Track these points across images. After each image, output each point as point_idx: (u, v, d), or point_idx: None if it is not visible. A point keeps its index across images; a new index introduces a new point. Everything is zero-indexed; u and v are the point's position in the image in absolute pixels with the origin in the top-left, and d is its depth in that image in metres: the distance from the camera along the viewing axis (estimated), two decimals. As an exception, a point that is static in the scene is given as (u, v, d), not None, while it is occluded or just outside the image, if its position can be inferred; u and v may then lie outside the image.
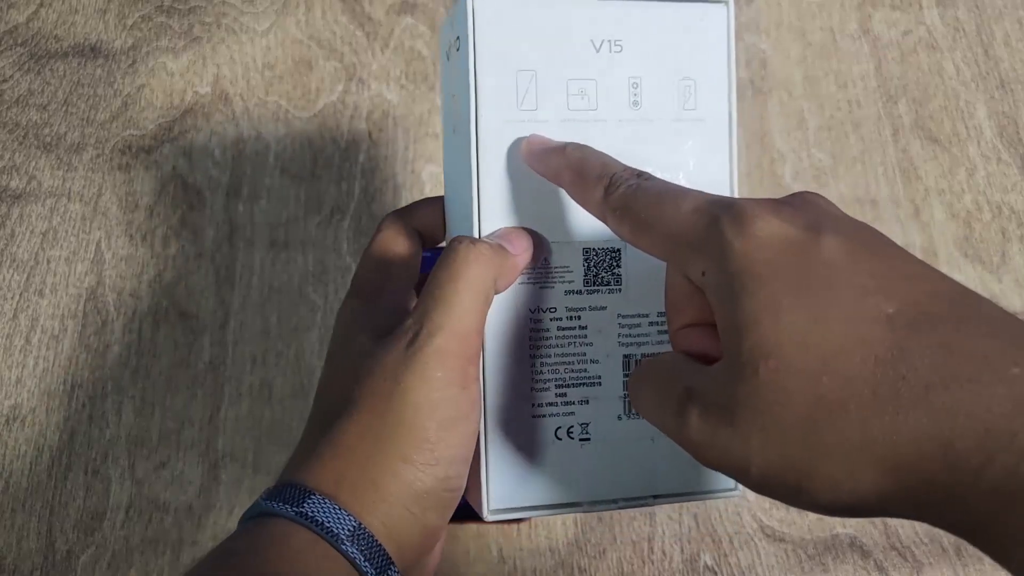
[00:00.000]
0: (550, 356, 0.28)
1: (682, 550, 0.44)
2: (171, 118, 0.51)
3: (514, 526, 0.43)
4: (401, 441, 0.24)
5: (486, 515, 0.27)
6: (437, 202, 0.32)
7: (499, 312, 0.27)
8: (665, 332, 0.29)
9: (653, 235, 0.22)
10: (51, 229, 0.48)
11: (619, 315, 0.28)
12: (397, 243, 0.30)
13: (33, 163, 0.49)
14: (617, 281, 0.28)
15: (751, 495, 0.45)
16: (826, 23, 0.58)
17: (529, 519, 0.43)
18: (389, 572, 0.23)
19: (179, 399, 0.45)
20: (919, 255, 0.46)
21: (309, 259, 0.48)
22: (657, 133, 0.28)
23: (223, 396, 0.45)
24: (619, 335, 0.28)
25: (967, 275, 0.52)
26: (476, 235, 0.27)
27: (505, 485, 0.27)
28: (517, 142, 0.27)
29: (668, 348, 0.29)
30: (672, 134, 0.28)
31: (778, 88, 0.56)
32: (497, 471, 0.27)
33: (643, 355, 0.29)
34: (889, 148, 0.55)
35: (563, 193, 0.27)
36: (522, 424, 0.28)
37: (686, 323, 0.24)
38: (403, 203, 0.44)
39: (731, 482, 0.29)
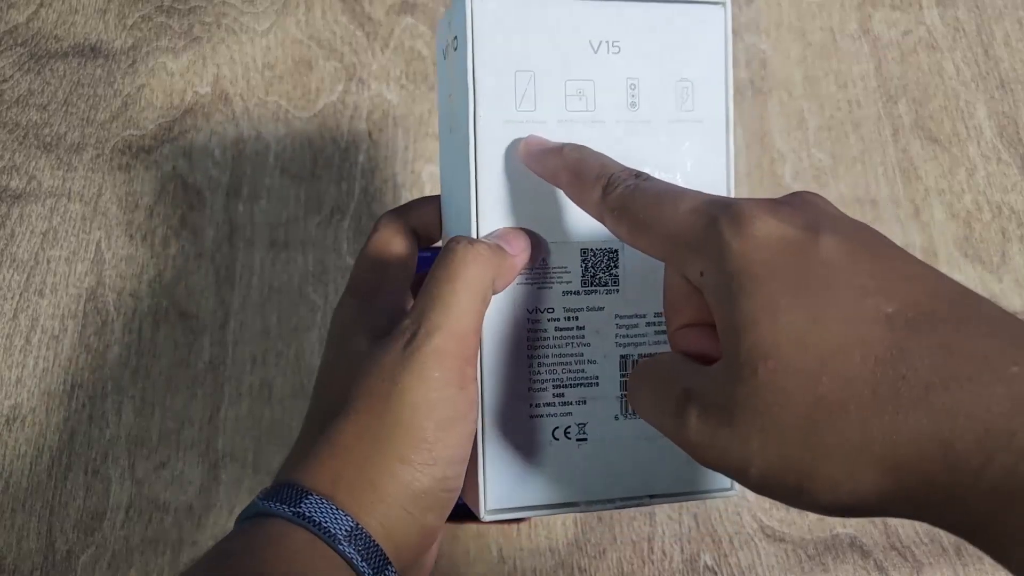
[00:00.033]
0: (547, 356, 0.28)
1: (682, 550, 0.44)
2: (171, 118, 0.51)
3: (514, 526, 0.43)
4: (399, 441, 0.24)
5: (483, 515, 0.27)
6: (434, 201, 0.32)
7: (497, 312, 0.27)
8: (662, 333, 0.29)
9: (651, 235, 0.22)
10: (51, 229, 0.48)
11: (616, 316, 0.28)
12: (394, 243, 0.30)
13: (33, 163, 0.49)
14: (614, 282, 0.28)
15: (751, 495, 0.45)
16: (826, 23, 0.58)
17: (528, 519, 0.43)
18: (386, 572, 0.23)
19: (179, 399, 0.45)
20: (919, 255, 0.46)
21: (309, 259, 0.48)
22: (654, 134, 0.28)
23: (223, 396, 0.45)
24: (616, 336, 0.28)
25: (967, 275, 0.52)
26: (474, 235, 0.27)
27: (502, 485, 0.27)
28: (515, 143, 0.27)
29: (665, 349, 0.29)
30: (669, 135, 0.28)
31: (778, 88, 0.56)
32: (494, 471, 0.27)
33: (640, 356, 0.29)
34: (889, 148, 0.55)
35: (561, 193, 0.27)
36: (519, 424, 0.28)
37: (684, 323, 0.24)
38: (402, 203, 0.44)
39: (728, 482, 0.29)
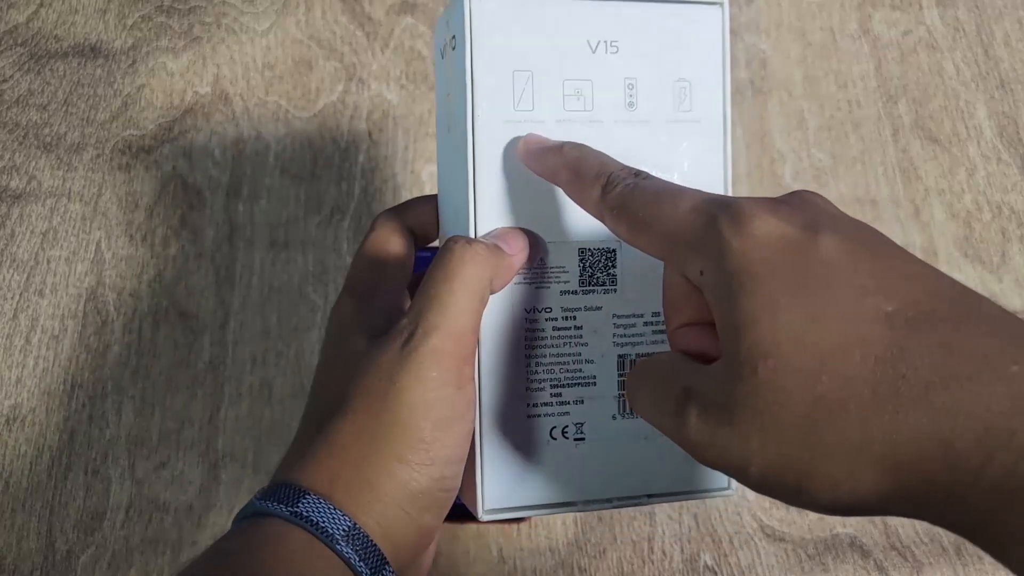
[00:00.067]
0: (545, 356, 0.28)
1: (682, 550, 0.44)
2: (171, 118, 0.51)
3: (514, 526, 0.43)
4: (396, 441, 0.24)
5: (481, 515, 0.27)
6: (431, 200, 0.31)
7: (495, 312, 0.27)
8: (660, 332, 0.29)
9: (651, 234, 0.22)
10: (51, 229, 0.48)
11: (614, 315, 0.28)
12: (391, 242, 0.30)
13: (33, 163, 0.49)
14: (612, 281, 0.28)
15: (751, 495, 0.45)
16: (826, 23, 0.58)
17: (529, 519, 0.43)
18: (384, 572, 0.23)
19: (179, 399, 0.45)
20: (919, 255, 0.46)
21: (309, 259, 0.48)
22: (652, 134, 0.28)
23: (223, 396, 0.45)
24: (614, 335, 0.28)
25: (967, 275, 0.52)
26: (472, 235, 0.27)
27: (500, 485, 0.27)
28: (513, 142, 0.27)
29: (662, 348, 0.29)
30: (667, 135, 0.28)
31: (778, 88, 0.56)
32: (492, 471, 0.27)
33: (638, 355, 0.29)
34: (889, 148, 0.55)
35: (559, 193, 0.27)
36: (517, 424, 0.28)
37: (684, 322, 0.24)
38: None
39: (725, 481, 0.29)
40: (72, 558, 0.41)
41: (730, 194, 0.29)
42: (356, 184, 0.50)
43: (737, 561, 0.43)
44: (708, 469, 0.29)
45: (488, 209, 0.27)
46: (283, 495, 0.23)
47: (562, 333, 0.28)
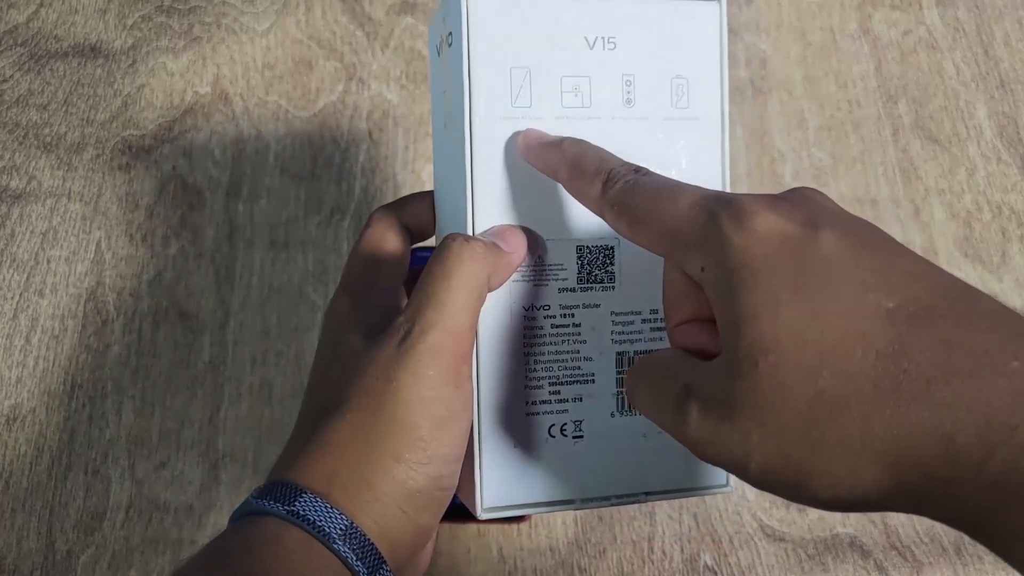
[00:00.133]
0: (544, 354, 0.28)
1: (682, 550, 0.43)
2: (171, 118, 0.51)
3: (514, 525, 0.43)
4: (394, 440, 0.23)
5: (480, 513, 0.27)
6: (427, 196, 0.31)
7: (492, 310, 0.27)
8: (658, 329, 0.29)
9: (651, 231, 0.22)
10: (51, 229, 0.48)
11: (612, 312, 0.28)
12: (387, 239, 0.30)
13: (33, 163, 0.49)
14: (610, 279, 0.28)
15: (751, 494, 0.45)
16: (826, 23, 0.58)
17: (528, 518, 0.43)
18: (381, 571, 0.23)
19: (179, 399, 0.45)
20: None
21: (309, 259, 0.48)
22: (650, 131, 0.28)
23: (223, 396, 0.45)
24: (612, 332, 0.28)
25: (967, 275, 0.52)
26: (470, 232, 0.27)
27: (499, 483, 0.27)
28: (511, 139, 0.27)
29: (661, 345, 0.29)
30: (665, 132, 0.28)
31: (778, 88, 0.56)
32: (491, 469, 0.27)
33: (636, 352, 0.28)
34: (889, 148, 0.55)
35: (557, 190, 0.27)
36: (516, 422, 0.27)
37: (684, 319, 0.24)
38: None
39: (724, 478, 0.29)
40: (72, 558, 0.41)
41: (728, 190, 0.29)
42: (356, 184, 0.50)
43: (737, 561, 0.43)
44: (707, 466, 0.29)
45: (486, 206, 0.27)
46: (280, 494, 0.23)
47: (560, 331, 0.28)
